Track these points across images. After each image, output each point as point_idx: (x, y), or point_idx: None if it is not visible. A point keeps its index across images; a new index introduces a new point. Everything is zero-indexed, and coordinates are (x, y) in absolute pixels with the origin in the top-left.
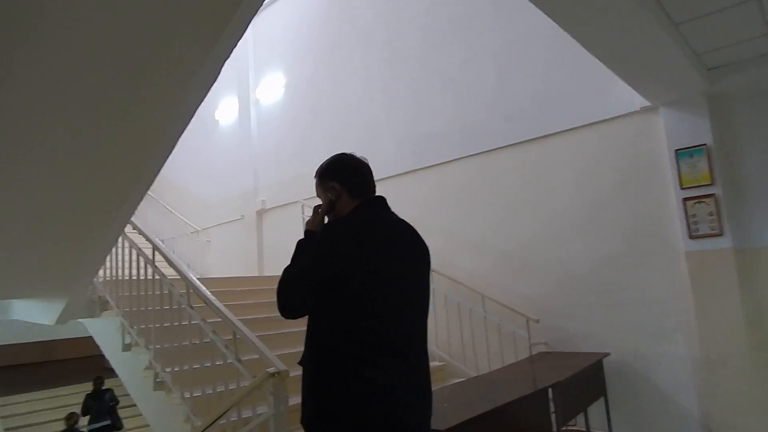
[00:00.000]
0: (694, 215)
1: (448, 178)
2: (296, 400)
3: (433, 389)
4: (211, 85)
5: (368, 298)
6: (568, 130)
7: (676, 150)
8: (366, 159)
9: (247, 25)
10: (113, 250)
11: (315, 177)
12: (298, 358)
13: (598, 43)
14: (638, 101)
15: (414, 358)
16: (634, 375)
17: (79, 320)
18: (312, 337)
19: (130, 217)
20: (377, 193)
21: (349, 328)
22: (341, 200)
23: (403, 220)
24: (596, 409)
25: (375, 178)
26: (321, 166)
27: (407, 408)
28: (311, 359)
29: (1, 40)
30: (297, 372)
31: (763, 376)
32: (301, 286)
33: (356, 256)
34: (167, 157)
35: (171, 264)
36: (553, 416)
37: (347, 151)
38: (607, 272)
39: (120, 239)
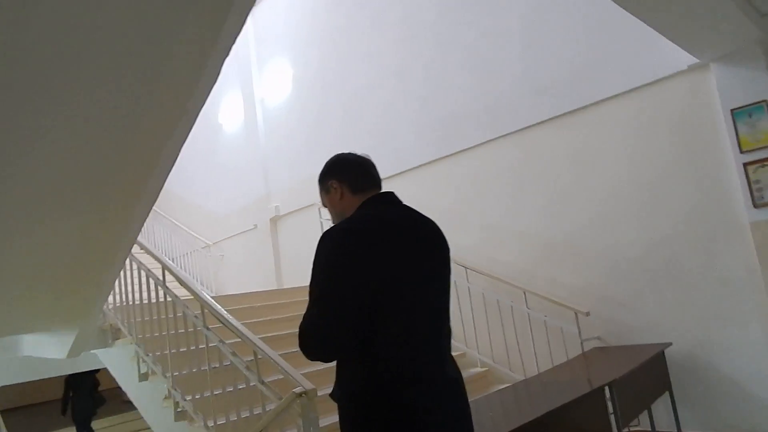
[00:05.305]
0: (757, 181)
1: (480, 163)
2: (327, 420)
3: (477, 398)
4: (212, 87)
5: (386, 311)
6: (607, 99)
7: (732, 110)
8: (368, 155)
9: (246, 16)
10: (121, 273)
11: (318, 185)
12: (326, 375)
13: None
14: (685, 59)
15: (446, 371)
16: (702, 365)
17: (92, 351)
18: (340, 367)
19: (137, 236)
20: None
21: (372, 350)
22: (344, 198)
23: (417, 214)
24: (661, 406)
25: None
26: (320, 172)
27: (450, 424)
28: (343, 393)
29: None
30: (325, 390)
31: None
32: (326, 314)
33: (364, 263)
34: (170, 168)
35: (182, 283)
36: (612, 417)
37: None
38: (665, 253)
39: (128, 261)
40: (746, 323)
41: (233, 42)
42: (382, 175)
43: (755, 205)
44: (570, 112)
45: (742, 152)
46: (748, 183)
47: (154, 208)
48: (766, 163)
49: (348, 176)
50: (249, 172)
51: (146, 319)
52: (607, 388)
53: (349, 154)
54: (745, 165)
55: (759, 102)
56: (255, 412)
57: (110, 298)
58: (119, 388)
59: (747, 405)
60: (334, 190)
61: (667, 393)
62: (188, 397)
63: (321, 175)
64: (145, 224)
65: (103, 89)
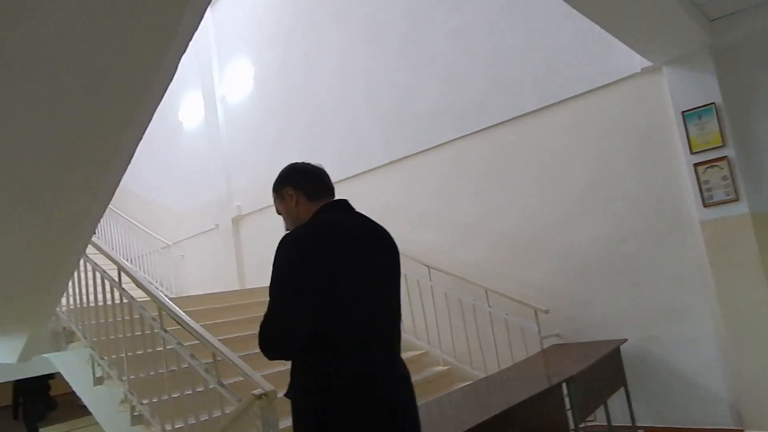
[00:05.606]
0: (706, 181)
1: (444, 163)
2: (287, 422)
3: (439, 396)
4: (168, 85)
5: (343, 311)
6: (565, 100)
7: (683, 112)
8: (321, 165)
9: (204, 12)
10: (75, 274)
11: (273, 193)
12: (287, 377)
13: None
14: (639, 62)
15: (398, 369)
16: (655, 360)
17: (44, 355)
18: (296, 366)
19: (91, 236)
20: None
21: (329, 349)
22: (299, 205)
23: (369, 220)
24: (617, 401)
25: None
26: (275, 180)
27: (402, 419)
28: (298, 390)
29: None
30: (285, 391)
31: None
32: (284, 315)
33: (320, 265)
34: (126, 165)
35: (139, 285)
36: (569, 413)
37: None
38: (620, 251)
39: (82, 262)
40: (696, 319)
41: (190, 39)
42: (347, 174)
43: (705, 205)
44: (530, 113)
45: (692, 153)
46: (698, 183)
47: (110, 207)
48: (714, 164)
49: (303, 184)
50: (210, 171)
51: (101, 321)
52: (564, 385)
53: (304, 163)
54: (695, 165)
55: (708, 104)
56: (214, 415)
57: (63, 300)
58: (74, 392)
59: (698, 398)
60: (289, 197)
61: (622, 388)
62: (145, 401)
63: (276, 183)
64: (100, 224)
65: (50, 84)
